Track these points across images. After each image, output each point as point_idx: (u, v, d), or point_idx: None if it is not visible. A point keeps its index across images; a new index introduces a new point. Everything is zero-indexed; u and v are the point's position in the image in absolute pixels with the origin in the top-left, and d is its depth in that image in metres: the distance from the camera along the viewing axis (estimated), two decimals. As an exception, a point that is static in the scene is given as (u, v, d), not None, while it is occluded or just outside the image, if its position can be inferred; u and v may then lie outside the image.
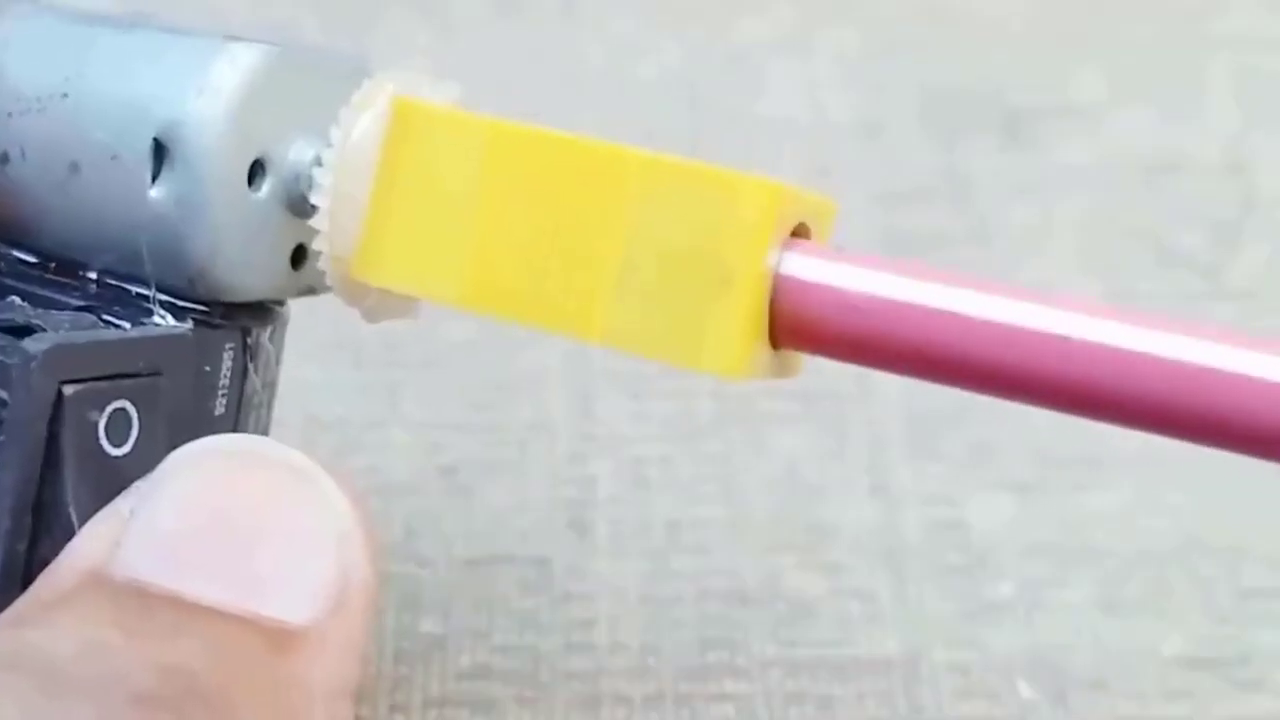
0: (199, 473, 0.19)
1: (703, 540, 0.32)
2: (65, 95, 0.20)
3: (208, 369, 0.21)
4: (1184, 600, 0.31)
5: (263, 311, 0.22)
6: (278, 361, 0.22)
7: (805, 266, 0.19)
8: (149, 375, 0.20)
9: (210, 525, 0.18)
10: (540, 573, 0.31)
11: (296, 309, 0.23)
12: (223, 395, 0.21)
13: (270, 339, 0.22)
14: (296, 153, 0.20)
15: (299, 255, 0.21)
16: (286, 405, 0.34)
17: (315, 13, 0.43)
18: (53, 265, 0.21)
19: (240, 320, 0.21)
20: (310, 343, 0.34)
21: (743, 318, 0.19)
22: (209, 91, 0.20)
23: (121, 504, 0.19)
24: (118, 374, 0.19)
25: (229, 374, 0.21)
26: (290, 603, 0.18)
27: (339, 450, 0.33)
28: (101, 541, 0.18)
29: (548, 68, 0.42)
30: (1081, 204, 0.39)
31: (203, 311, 0.21)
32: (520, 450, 0.33)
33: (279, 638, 0.18)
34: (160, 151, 0.20)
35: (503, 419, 0.34)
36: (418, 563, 0.31)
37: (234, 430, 0.21)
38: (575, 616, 0.30)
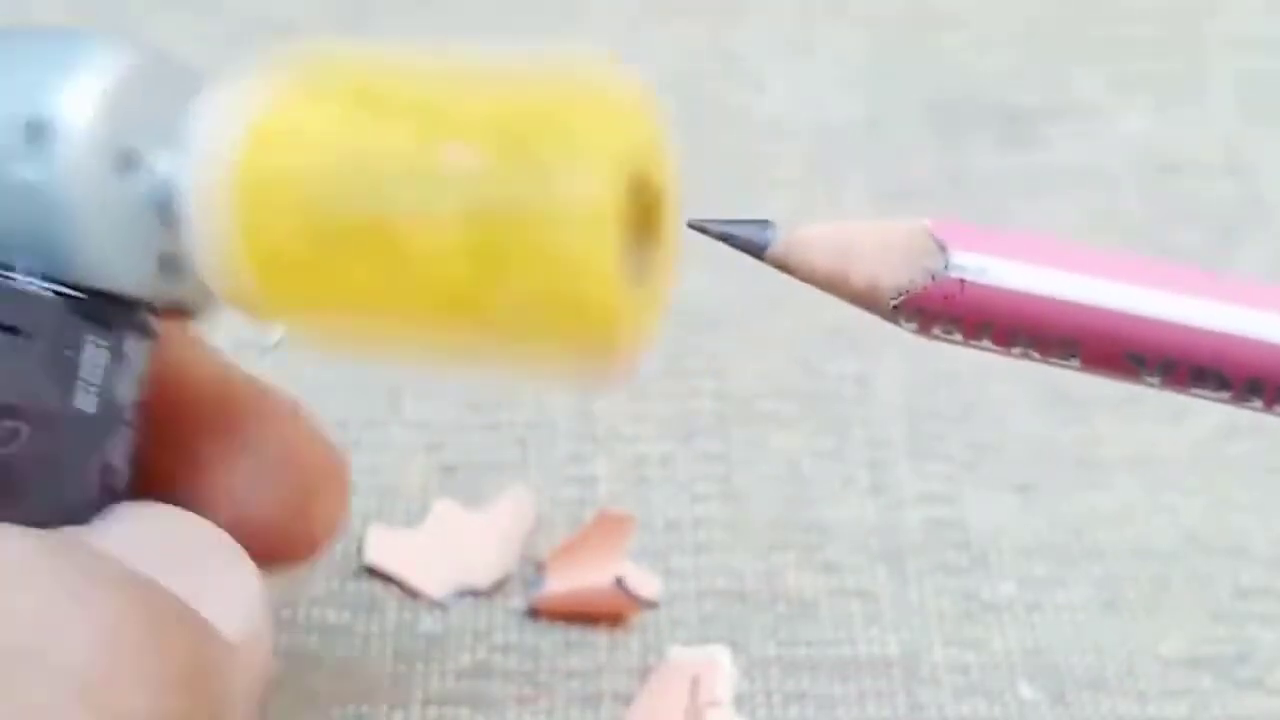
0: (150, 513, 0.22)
1: (702, 540, 0.32)
2: None
3: (68, 352, 0.21)
4: (1183, 600, 0.31)
5: (134, 316, 0.22)
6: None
7: None
8: (7, 329, 0.20)
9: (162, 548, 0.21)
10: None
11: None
12: (93, 392, 0.21)
13: (145, 358, 0.22)
14: (167, 161, 0.21)
15: (170, 263, 0.22)
16: (287, 405, 0.34)
17: (314, 12, 0.43)
18: None
19: (109, 315, 0.21)
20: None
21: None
22: (83, 73, 0.21)
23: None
24: None
25: (99, 371, 0.21)
26: (227, 619, 0.21)
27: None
28: None
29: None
30: (1081, 204, 0.39)
31: (72, 297, 0.21)
32: (520, 450, 0.33)
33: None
34: (32, 133, 0.20)
35: (503, 419, 0.34)
36: (418, 562, 0.31)
37: (107, 437, 0.22)
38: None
